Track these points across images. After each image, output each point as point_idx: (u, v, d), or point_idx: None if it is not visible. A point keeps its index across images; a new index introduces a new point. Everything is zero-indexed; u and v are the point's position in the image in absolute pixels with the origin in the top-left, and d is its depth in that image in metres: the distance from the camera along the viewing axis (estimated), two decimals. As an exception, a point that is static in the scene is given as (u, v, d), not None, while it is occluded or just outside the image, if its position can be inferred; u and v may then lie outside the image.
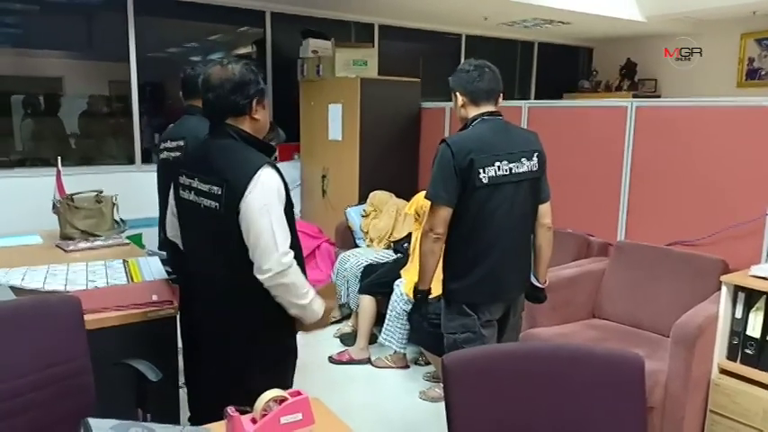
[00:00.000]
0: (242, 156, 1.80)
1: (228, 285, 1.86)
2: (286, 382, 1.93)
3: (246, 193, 1.72)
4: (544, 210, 2.35)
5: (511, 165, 2.16)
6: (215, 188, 1.79)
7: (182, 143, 2.73)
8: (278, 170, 1.81)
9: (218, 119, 1.85)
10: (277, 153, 3.24)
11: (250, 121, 1.85)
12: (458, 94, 2.27)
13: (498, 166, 2.14)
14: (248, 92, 1.82)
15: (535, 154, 2.24)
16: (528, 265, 2.39)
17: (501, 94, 2.28)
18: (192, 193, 1.88)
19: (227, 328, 1.88)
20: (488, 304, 2.26)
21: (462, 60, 6.54)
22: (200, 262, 1.94)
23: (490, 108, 2.23)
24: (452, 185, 2.12)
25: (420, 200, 3.55)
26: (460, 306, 2.25)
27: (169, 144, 2.80)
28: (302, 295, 1.81)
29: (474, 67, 2.23)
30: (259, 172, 1.74)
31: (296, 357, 2.02)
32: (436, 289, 2.49)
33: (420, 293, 2.33)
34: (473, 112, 2.24)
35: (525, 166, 2.21)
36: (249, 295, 1.81)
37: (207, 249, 1.90)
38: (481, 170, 2.11)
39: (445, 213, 2.15)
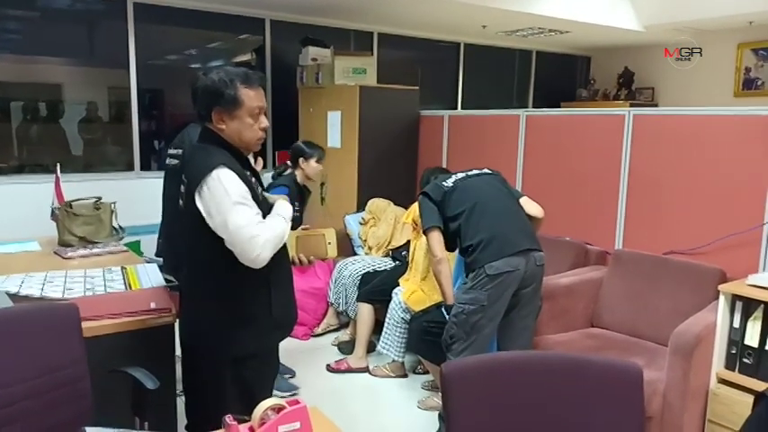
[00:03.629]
0: (202, 156, 1.85)
1: (195, 285, 1.94)
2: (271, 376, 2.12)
3: (201, 192, 1.78)
4: (525, 204, 2.79)
5: (465, 172, 2.84)
6: (182, 187, 1.89)
7: (180, 152, 2.82)
8: (234, 170, 1.82)
9: (200, 121, 1.95)
10: (320, 167, 3.45)
11: (216, 128, 1.89)
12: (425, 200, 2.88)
13: (455, 176, 2.83)
14: (207, 102, 1.86)
15: (484, 168, 2.88)
16: (527, 225, 2.72)
17: None
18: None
19: (195, 325, 1.95)
20: (504, 258, 2.54)
21: (461, 68, 6.57)
22: (184, 264, 2.02)
23: None
24: (435, 212, 2.73)
25: (418, 209, 3.56)
26: (476, 276, 2.56)
27: (172, 151, 2.92)
28: (283, 232, 1.87)
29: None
30: (212, 173, 1.77)
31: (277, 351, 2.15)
32: (434, 297, 2.63)
33: (447, 309, 2.72)
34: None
35: (476, 171, 2.85)
36: (220, 294, 1.88)
37: (185, 251, 1.99)
38: (443, 183, 2.79)
39: (436, 236, 2.69)
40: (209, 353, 1.93)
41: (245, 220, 1.76)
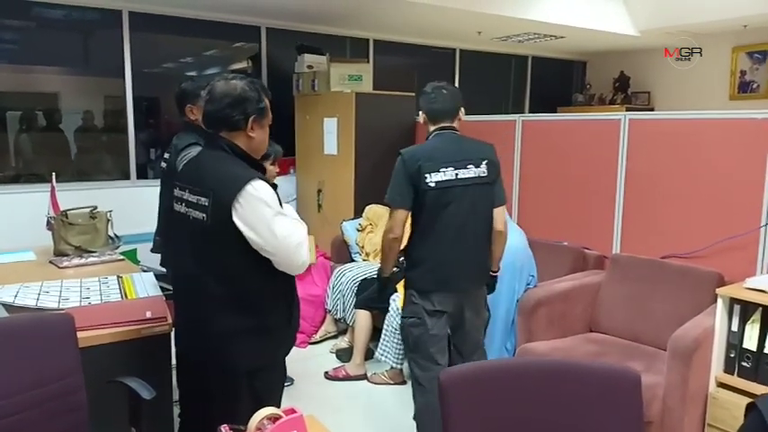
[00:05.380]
0: (231, 168, 1.81)
1: (215, 298, 1.84)
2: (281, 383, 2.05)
3: (237, 207, 1.73)
4: (496, 214, 2.53)
5: (457, 171, 2.44)
6: (203, 199, 1.81)
7: (166, 155, 2.93)
8: (267, 182, 1.82)
9: (215, 131, 1.88)
10: (278, 169, 3.14)
11: (245, 137, 1.86)
12: (421, 112, 2.61)
13: (444, 172, 2.42)
14: (246, 109, 1.83)
15: (483, 162, 2.49)
16: (483, 261, 2.58)
17: (459, 112, 2.56)
18: (183, 205, 1.89)
19: (211, 339, 1.87)
20: (436, 292, 2.49)
21: (457, 74, 6.58)
22: (189, 276, 1.90)
23: (446, 124, 2.53)
24: (406, 190, 2.43)
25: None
26: (412, 292, 2.53)
27: (165, 155, 2.98)
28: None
29: (432, 90, 2.56)
30: (248, 186, 1.74)
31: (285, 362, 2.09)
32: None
33: (381, 280, 2.64)
34: (432, 127, 2.55)
35: (472, 171, 2.46)
36: (244, 306, 1.83)
37: (195, 263, 1.86)
38: (427, 175, 2.40)
39: (401, 215, 2.44)
40: (223, 366, 1.86)
41: (288, 230, 1.78)
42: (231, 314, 1.83)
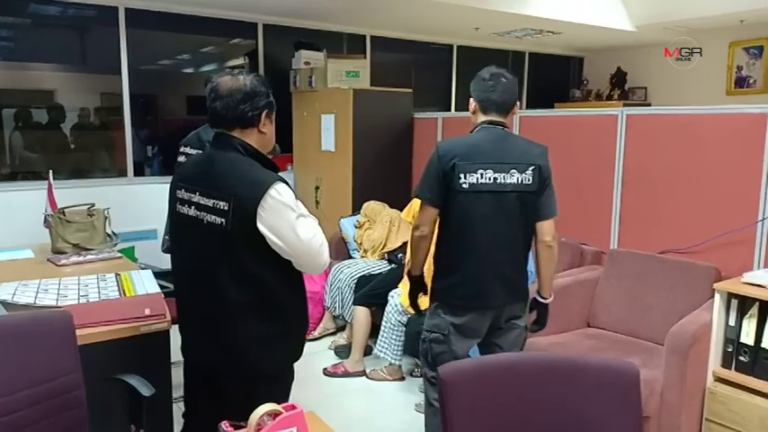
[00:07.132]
0: (251, 171, 1.74)
1: (237, 304, 1.77)
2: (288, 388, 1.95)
3: (261, 213, 1.68)
4: (544, 227, 2.25)
5: (496, 174, 2.17)
6: (221, 203, 1.72)
7: (188, 150, 2.87)
8: (288, 184, 1.78)
9: (225, 129, 1.81)
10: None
11: (257, 134, 1.81)
12: (472, 99, 2.32)
13: (481, 174, 2.16)
14: (258, 103, 1.78)
15: (530, 168, 2.20)
16: (518, 278, 2.30)
17: (515, 105, 2.31)
18: (193, 207, 1.80)
19: (232, 345, 1.81)
20: (464, 309, 2.25)
21: (454, 70, 6.58)
22: (201, 281, 1.82)
23: (496, 118, 2.26)
24: (436, 187, 2.19)
25: (416, 206, 3.55)
26: (439, 306, 2.30)
27: (188, 150, 2.93)
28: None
29: (490, 76, 2.27)
30: (270, 190, 1.68)
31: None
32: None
33: (413, 278, 2.41)
34: (481, 118, 2.28)
35: (515, 177, 2.18)
36: (269, 311, 1.79)
37: (211, 268, 1.77)
38: (462, 175, 2.15)
39: (430, 212, 2.23)
40: (245, 373, 1.82)
41: (312, 231, 1.75)
42: (256, 320, 1.78)
